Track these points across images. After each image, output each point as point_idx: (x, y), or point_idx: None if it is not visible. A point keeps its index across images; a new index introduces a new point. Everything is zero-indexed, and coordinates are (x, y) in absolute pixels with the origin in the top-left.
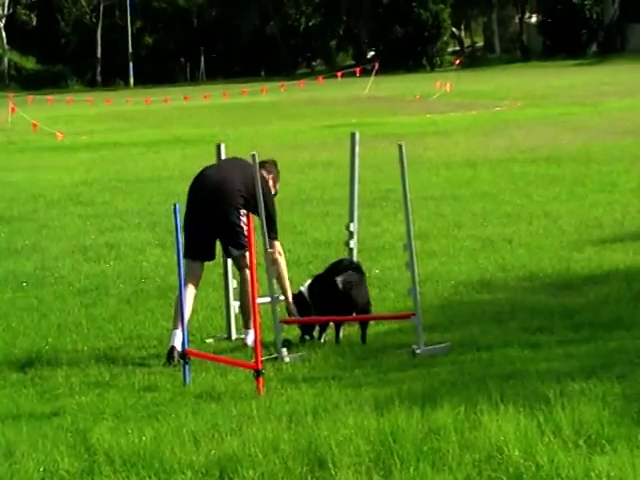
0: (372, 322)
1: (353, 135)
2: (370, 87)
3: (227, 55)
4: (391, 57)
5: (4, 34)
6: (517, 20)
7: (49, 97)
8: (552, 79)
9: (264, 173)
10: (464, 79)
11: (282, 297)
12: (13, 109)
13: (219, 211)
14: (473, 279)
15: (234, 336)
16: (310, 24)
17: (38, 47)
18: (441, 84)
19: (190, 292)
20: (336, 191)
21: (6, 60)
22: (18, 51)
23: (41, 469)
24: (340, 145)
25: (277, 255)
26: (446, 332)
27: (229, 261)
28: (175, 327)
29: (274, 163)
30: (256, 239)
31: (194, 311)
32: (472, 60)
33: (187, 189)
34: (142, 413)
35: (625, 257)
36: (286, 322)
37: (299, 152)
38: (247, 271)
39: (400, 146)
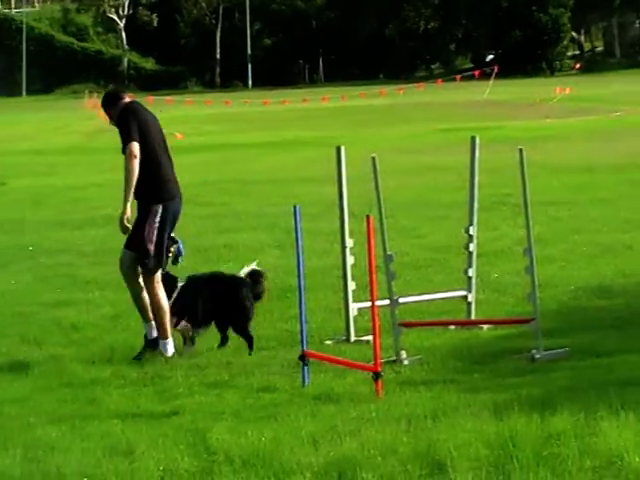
0: (490, 326)
1: (473, 139)
2: (489, 91)
3: (346, 57)
4: (510, 61)
5: (124, 35)
6: (638, 25)
7: (168, 98)
8: None
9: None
10: (583, 84)
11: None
12: None
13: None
14: (592, 284)
15: (353, 338)
16: (429, 27)
17: (158, 48)
18: (560, 88)
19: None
20: (454, 195)
21: (126, 61)
22: (138, 52)
23: (161, 468)
24: (458, 149)
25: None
26: (565, 337)
27: (348, 262)
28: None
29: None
30: (375, 242)
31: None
32: (592, 64)
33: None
34: (261, 414)
35: None
36: (405, 325)
37: (417, 155)
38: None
39: (520, 150)
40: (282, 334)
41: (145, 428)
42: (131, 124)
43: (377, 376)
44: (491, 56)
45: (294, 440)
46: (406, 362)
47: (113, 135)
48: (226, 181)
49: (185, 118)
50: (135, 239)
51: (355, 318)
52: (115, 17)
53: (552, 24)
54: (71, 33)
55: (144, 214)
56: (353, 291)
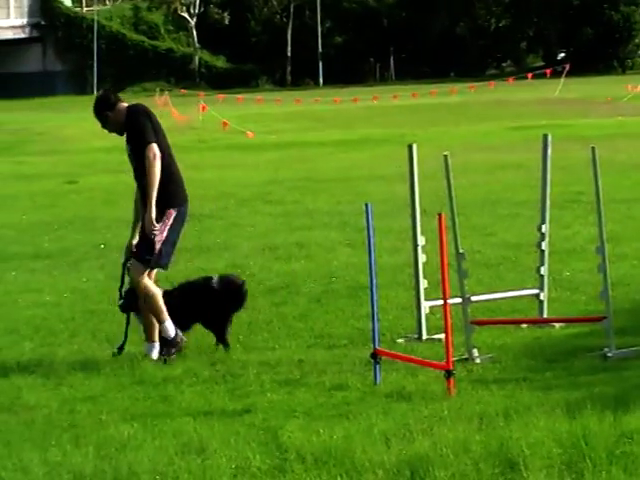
0: (562, 324)
1: (545, 137)
2: (560, 89)
3: (416, 55)
4: (581, 59)
5: (195, 33)
6: None
7: (239, 96)
8: None
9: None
10: None
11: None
12: (204, 107)
13: None
14: None
15: (425, 336)
16: (500, 25)
17: (229, 46)
18: (632, 86)
19: None
20: (526, 193)
21: (197, 59)
22: (209, 50)
23: (233, 466)
24: (529, 147)
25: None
26: (637, 336)
27: (420, 260)
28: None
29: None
30: (447, 239)
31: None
32: None
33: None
34: (332, 412)
35: None
36: (477, 323)
37: (488, 153)
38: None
39: (593, 148)
40: (354, 332)
41: (217, 426)
42: (146, 125)
43: (449, 374)
44: (562, 54)
45: (366, 438)
46: (478, 360)
47: (182, 134)
48: (297, 179)
49: (256, 116)
50: (142, 244)
51: (427, 316)
52: (186, 15)
53: (623, 22)
54: (142, 31)
55: (156, 219)
56: (425, 289)
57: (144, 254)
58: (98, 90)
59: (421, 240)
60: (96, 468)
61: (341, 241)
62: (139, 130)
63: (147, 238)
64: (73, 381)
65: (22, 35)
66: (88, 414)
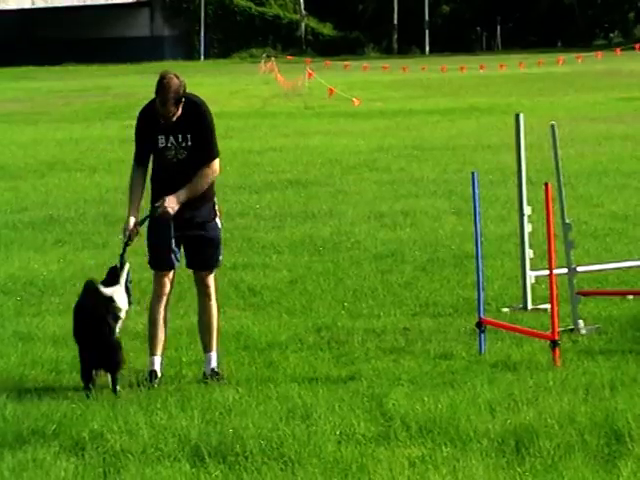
0: None
1: None
2: None
3: (523, 25)
4: None
5: (302, 0)
6: None
7: (346, 63)
8: None
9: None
10: None
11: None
12: (310, 74)
13: None
14: None
15: (530, 306)
16: None
17: (336, 13)
18: None
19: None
20: (634, 164)
21: (303, 26)
22: (315, 17)
23: (337, 432)
24: (637, 118)
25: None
26: None
27: (526, 230)
28: (154, 353)
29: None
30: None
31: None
32: None
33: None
34: (437, 380)
35: None
36: (583, 294)
37: (596, 124)
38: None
39: None
40: (459, 301)
41: (322, 392)
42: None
43: (555, 344)
44: None
45: (471, 407)
46: (584, 331)
47: (289, 100)
48: (403, 147)
49: (362, 84)
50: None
51: (532, 286)
52: None
53: None
54: None
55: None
56: (531, 259)
57: (219, 257)
58: (206, 56)
59: (527, 210)
60: (201, 432)
61: (447, 210)
62: (213, 135)
63: (216, 238)
64: (179, 345)
65: None
66: (194, 378)
